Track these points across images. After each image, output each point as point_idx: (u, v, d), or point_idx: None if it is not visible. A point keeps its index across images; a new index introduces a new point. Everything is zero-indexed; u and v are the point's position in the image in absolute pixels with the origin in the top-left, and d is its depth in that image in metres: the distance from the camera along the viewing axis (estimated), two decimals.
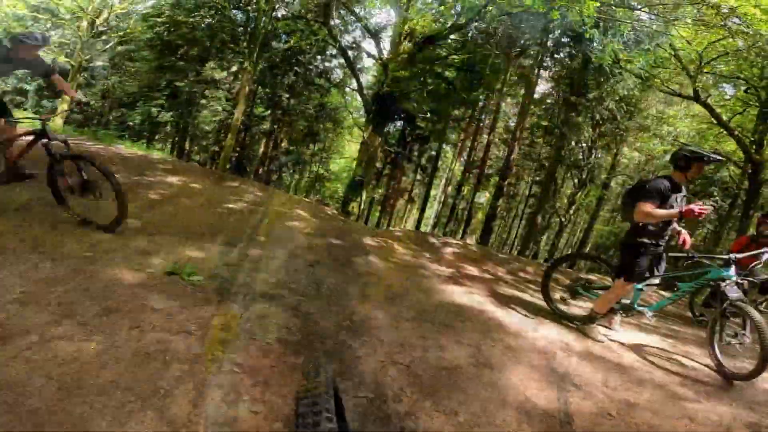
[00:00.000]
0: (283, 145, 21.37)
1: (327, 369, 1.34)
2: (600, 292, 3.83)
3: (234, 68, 17.69)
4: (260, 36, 12.00)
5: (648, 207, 3.02)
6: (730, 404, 2.56)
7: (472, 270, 5.19)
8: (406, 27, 11.47)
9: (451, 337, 2.86)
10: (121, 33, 17.32)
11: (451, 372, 2.41)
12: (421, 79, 14.13)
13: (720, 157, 3.51)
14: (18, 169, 3.66)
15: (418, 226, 18.80)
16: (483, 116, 17.40)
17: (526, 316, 3.66)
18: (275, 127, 19.77)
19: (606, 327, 3.73)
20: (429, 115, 15.75)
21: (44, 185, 3.54)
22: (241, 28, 15.58)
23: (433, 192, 24.67)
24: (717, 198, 15.98)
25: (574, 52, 12.49)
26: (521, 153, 17.25)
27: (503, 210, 20.90)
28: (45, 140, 3.41)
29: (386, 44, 12.98)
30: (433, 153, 18.49)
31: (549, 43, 13.35)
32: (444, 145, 19.34)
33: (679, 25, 8.69)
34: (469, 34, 11.62)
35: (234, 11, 15.69)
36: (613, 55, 10.02)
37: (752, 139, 10.56)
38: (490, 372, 2.49)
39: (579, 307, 4.28)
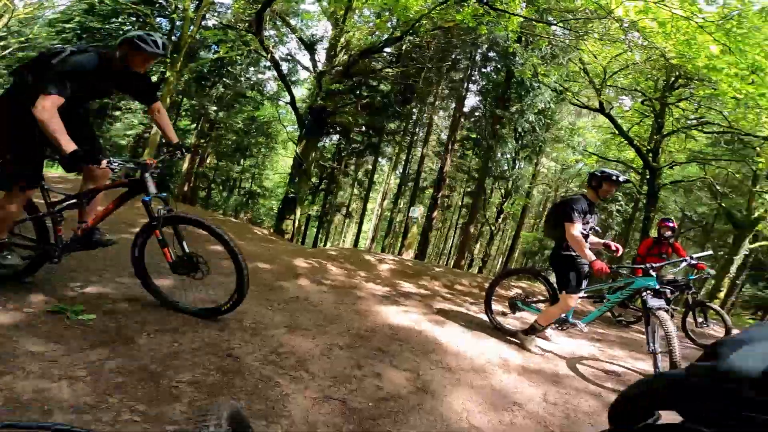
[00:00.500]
0: (210, 160, 20.15)
1: (226, 411, 1.10)
2: (540, 306, 3.91)
3: (154, 78, 16.48)
4: (185, 45, 11.23)
5: (575, 229, 3.28)
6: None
7: (409, 287, 5.10)
8: (342, 39, 11.43)
9: (389, 362, 2.69)
10: (22, 39, 15.50)
11: (391, 402, 2.24)
12: (356, 92, 14.13)
13: (626, 178, 3.87)
14: (93, 233, 2.69)
15: (356, 242, 18.60)
16: (417, 129, 17.86)
17: (463, 332, 3.61)
18: (201, 141, 18.59)
19: (542, 338, 3.82)
20: (364, 128, 15.76)
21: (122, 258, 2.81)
22: (165, 37, 14.66)
23: (370, 206, 24.76)
24: (622, 202, 17.83)
25: (499, 66, 13.25)
26: (453, 165, 17.90)
27: (439, 221, 21.49)
28: (147, 197, 2.54)
29: (322, 56, 12.85)
30: (370, 167, 18.53)
31: (477, 58, 14.07)
32: (380, 159, 19.48)
33: (588, 40, 9.61)
34: (403, 48, 11.88)
35: (159, 19, 14.64)
36: (533, 69, 10.80)
37: (648, 147, 11.88)
38: (431, 399, 2.36)
39: (517, 320, 4.36)
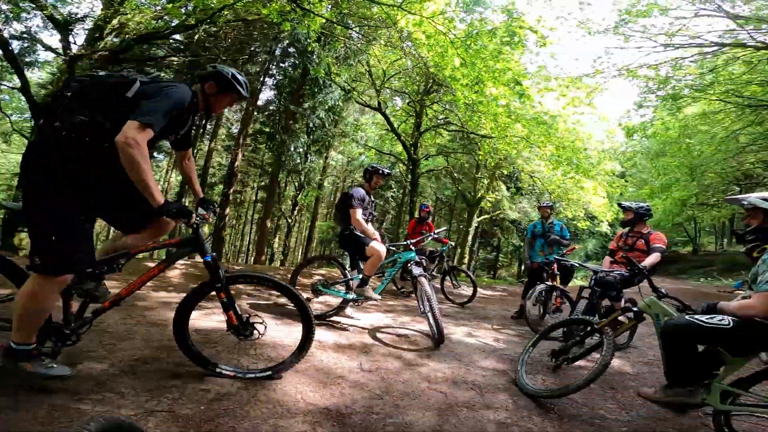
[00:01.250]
0: None
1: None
2: (339, 286, 4.25)
3: None
4: None
5: (358, 214, 4.02)
6: (444, 361, 3.34)
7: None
8: (114, 22, 9.14)
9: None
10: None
11: (224, 401, 2.13)
12: None
13: (390, 171, 4.76)
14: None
15: None
16: (204, 122, 16.16)
17: (276, 324, 3.62)
18: None
19: (348, 317, 4.24)
20: None
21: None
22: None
23: None
24: (395, 189, 21.02)
25: (297, 62, 13.29)
26: (245, 159, 17.10)
27: (232, 218, 20.24)
28: (209, 256, 2.17)
29: (81, 38, 9.88)
30: None
31: (277, 52, 13.69)
32: (156, 154, 16.78)
33: (375, 45, 10.77)
34: (196, 36, 10.43)
35: None
36: (327, 68, 11.37)
37: (411, 142, 14.35)
38: (263, 390, 2.32)
39: (322, 304, 4.65)
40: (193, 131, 2.39)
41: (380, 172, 4.35)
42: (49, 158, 1.82)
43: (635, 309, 2.79)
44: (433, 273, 7.07)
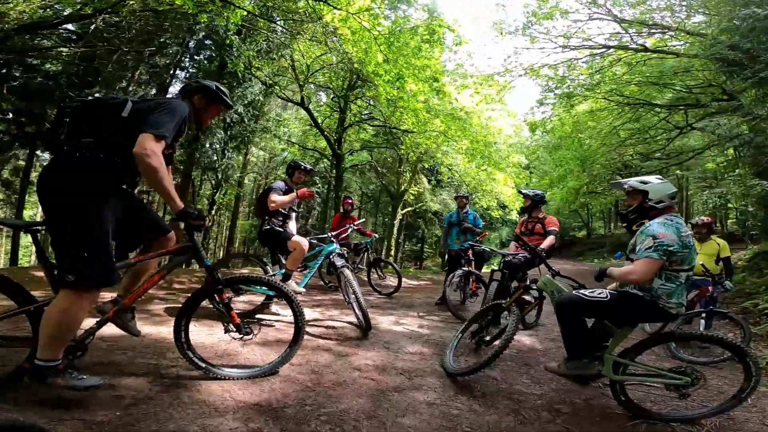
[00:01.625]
0: None
1: None
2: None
3: None
4: None
5: (274, 196, 4.01)
6: (373, 349, 3.42)
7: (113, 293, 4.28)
8: None
9: (119, 372, 2.33)
10: None
11: (142, 406, 2.00)
12: (2, 71, 10.02)
13: (311, 167, 4.71)
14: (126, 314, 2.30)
15: (13, 259, 13.51)
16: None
17: (194, 325, 3.42)
18: None
19: (274, 314, 4.13)
20: (11, 115, 11.41)
21: None
22: None
23: (28, 213, 18.30)
24: (319, 185, 20.77)
25: (214, 55, 12.35)
26: None
27: None
28: (208, 261, 2.31)
29: None
30: (22, 163, 13.56)
31: (191, 44, 12.54)
32: (40, 153, 14.58)
33: (300, 39, 10.42)
34: (92, 26, 9.09)
35: None
36: (248, 61, 10.75)
37: (335, 137, 14.30)
38: (186, 391, 2.22)
39: (245, 303, 4.49)
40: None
41: (302, 167, 4.40)
42: (72, 177, 1.89)
43: (534, 287, 3.02)
44: (359, 266, 7.16)
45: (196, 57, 13.19)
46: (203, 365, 2.39)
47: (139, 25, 10.21)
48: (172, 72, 13.11)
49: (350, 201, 7.39)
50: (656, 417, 2.49)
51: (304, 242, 3.91)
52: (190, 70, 13.49)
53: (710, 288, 4.43)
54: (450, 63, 13.54)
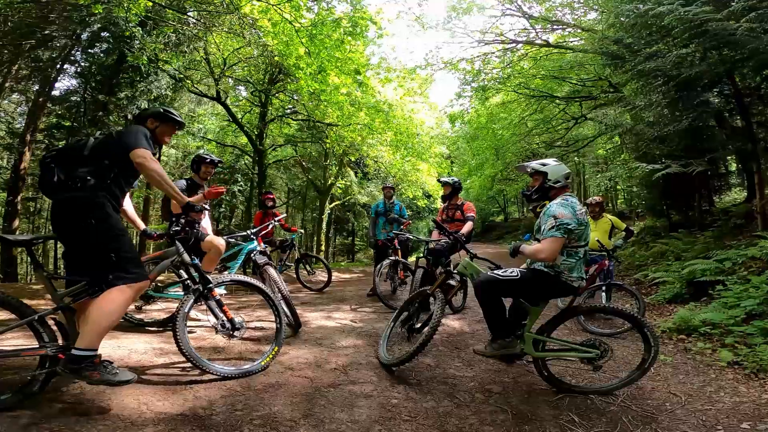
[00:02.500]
0: None
1: None
2: (175, 289, 3.81)
3: None
4: None
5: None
6: (305, 347, 3.38)
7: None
8: None
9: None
10: None
11: (42, 425, 1.74)
12: None
13: (219, 159, 4.36)
14: None
15: None
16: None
17: (104, 340, 3.09)
18: None
19: (196, 320, 3.85)
20: None
21: None
22: None
23: None
24: (241, 183, 19.73)
25: (111, 48, 10.88)
26: (38, 160, 13.56)
27: (24, 231, 16.07)
28: (196, 260, 2.70)
29: None
30: None
31: (84, 36, 10.86)
32: None
33: (216, 32, 9.60)
34: None
35: None
36: (153, 55, 9.69)
37: (256, 133, 13.64)
38: (98, 404, 2.05)
39: (162, 311, 4.15)
40: None
41: (207, 160, 4.08)
42: (94, 197, 2.16)
43: (455, 272, 3.13)
44: (286, 263, 6.97)
45: (90, 50, 11.66)
46: (209, 367, 2.51)
47: (18, 16, 8.77)
48: (58, 66, 11.46)
49: (271, 196, 7.12)
50: (576, 390, 2.70)
51: (219, 241, 3.70)
52: (82, 64, 11.92)
53: (606, 262, 4.85)
54: (374, 57, 13.61)
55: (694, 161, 6.29)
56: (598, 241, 4.94)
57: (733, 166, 10.44)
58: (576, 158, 17.00)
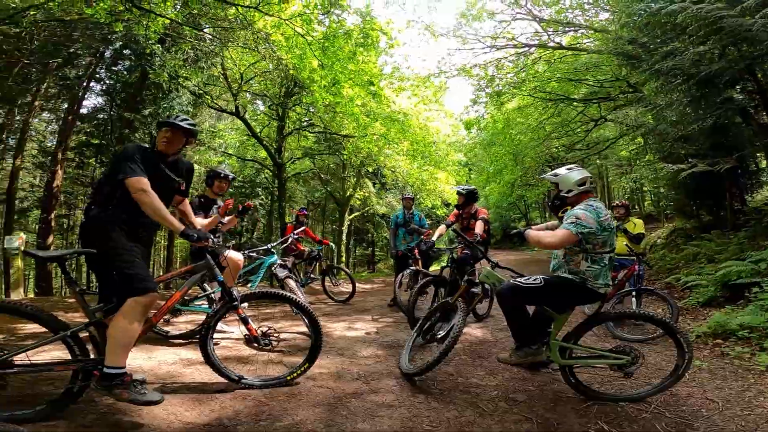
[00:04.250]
0: None
1: None
2: (200, 302, 3.89)
3: None
4: None
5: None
6: (327, 357, 3.27)
7: (33, 327, 3.85)
8: None
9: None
10: None
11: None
12: None
13: (228, 173, 4.30)
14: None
15: None
16: (4, 136, 12.76)
17: (134, 351, 3.18)
18: None
19: (220, 332, 3.93)
20: None
21: None
22: None
23: None
24: (262, 196, 20.10)
25: (134, 66, 11.41)
26: (69, 177, 14.20)
27: (59, 247, 16.69)
28: (221, 277, 2.64)
29: None
30: None
31: (107, 54, 11.46)
32: None
33: (231, 47, 9.96)
34: None
35: None
36: (174, 72, 10.08)
37: (275, 146, 13.92)
38: (125, 416, 2.10)
39: (189, 323, 4.23)
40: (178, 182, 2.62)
41: (221, 175, 4.07)
42: (96, 223, 2.27)
43: (477, 282, 3.08)
44: (311, 275, 7.04)
45: (113, 68, 12.21)
46: (236, 377, 2.57)
47: (44, 35, 9.27)
48: (85, 84, 12.02)
49: (305, 212, 7.27)
50: (606, 397, 2.61)
51: (238, 256, 3.74)
52: (107, 81, 12.48)
53: (636, 266, 4.71)
54: (387, 67, 13.74)
55: (721, 159, 6.06)
56: (626, 245, 4.80)
57: (764, 163, 10.01)
58: (598, 161, 16.61)
